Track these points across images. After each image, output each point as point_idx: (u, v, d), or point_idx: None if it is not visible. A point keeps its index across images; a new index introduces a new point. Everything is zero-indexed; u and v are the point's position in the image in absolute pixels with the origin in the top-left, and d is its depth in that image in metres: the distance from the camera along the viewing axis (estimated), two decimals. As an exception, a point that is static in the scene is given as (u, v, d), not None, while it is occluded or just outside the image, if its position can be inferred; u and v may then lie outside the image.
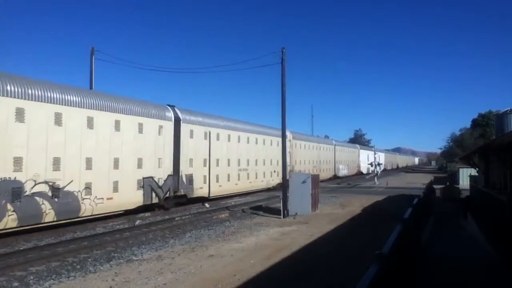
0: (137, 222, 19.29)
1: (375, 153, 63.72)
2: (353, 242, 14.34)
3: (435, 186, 34.77)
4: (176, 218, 20.40)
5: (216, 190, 27.80)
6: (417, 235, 12.09)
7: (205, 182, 26.25)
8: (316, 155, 51.88)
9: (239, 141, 31.29)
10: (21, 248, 13.58)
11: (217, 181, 27.92)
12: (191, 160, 24.84)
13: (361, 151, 79.10)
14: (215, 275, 10.18)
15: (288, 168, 37.07)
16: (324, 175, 53.22)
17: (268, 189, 36.29)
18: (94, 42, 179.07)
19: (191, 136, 24.98)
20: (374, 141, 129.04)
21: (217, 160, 27.95)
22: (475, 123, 77.33)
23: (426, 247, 13.08)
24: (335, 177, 60.67)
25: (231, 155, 29.97)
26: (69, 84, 18.79)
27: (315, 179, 23.19)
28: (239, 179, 31.04)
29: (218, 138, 28.17)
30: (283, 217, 20.68)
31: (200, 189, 25.74)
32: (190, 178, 24.63)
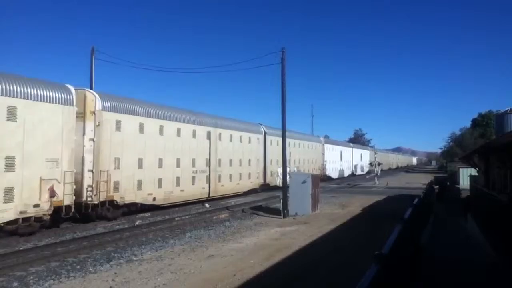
0: (137, 222, 19.30)
1: (373, 152, 61.51)
2: (353, 242, 14.35)
3: (435, 186, 34.76)
4: (176, 218, 20.40)
5: None
6: (417, 235, 12.07)
7: None
8: (231, 150, 30.15)
9: None
10: (21, 248, 13.58)
11: None
12: None
13: (328, 146, 56.73)
14: (215, 275, 10.19)
15: (102, 176, 18.18)
16: (243, 184, 31.62)
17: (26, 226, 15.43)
18: (94, 42, 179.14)
19: None
20: (374, 141, 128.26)
21: None
22: (475, 123, 77.36)
23: (426, 247, 13.07)
24: (267, 187, 35.52)
25: None
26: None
27: (315, 179, 23.22)
28: None
29: None
30: (283, 217, 20.68)
31: None
32: None
